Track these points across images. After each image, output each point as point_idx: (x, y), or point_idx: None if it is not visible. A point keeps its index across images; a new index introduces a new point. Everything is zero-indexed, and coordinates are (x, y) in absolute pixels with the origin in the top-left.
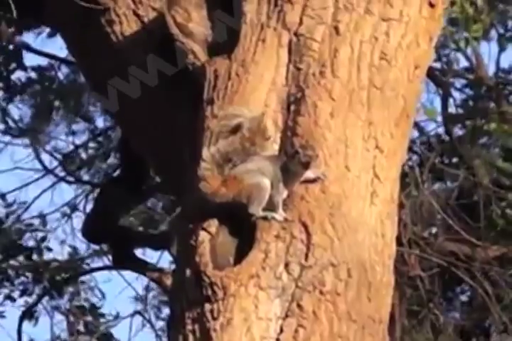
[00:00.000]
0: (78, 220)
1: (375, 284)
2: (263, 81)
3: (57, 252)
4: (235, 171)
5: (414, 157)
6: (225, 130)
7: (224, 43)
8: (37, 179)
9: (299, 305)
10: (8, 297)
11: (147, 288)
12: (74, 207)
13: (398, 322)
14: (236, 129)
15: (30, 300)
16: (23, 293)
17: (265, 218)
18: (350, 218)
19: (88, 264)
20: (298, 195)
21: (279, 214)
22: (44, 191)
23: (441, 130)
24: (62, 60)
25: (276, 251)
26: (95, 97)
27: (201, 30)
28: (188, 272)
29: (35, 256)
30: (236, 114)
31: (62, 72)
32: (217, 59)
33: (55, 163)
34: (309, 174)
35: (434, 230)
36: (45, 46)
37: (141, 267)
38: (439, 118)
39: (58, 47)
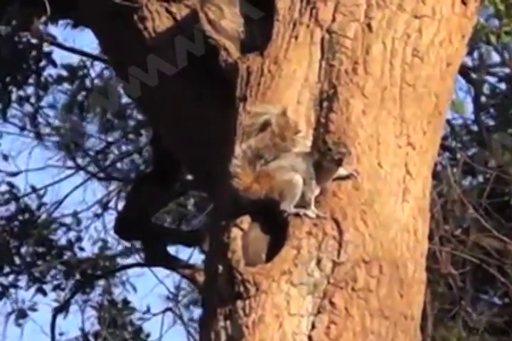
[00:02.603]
0: (110, 218)
1: (407, 281)
2: (295, 78)
3: (89, 250)
4: (267, 168)
5: (446, 154)
6: (253, 128)
7: (257, 40)
8: (69, 176)
9: (331, 302)
10: (40, 290)
11: (178, 286)
12: (106, 205)
13: (430, 320)
14: (265, 126)
15: (62, 294)
16: (56, 287)
17: (297, 215)
18: (383, 215)
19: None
20: (330, 192)
21: (312, 211)
22: (76, 188)
23: (471, 125)
24: (95, 58)
25: (308, 247)
26: (127, 95)
27: (234, 27)
28: (220, 268)
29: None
30: (261, 112)
31: (94, 69)
32: (250, 56)
33: (87, 161)
34: (342, 171)
35: (465, 227)
36: (75, 40)
37: (173, 264)
38: (469, 115)
39: (88, 42)
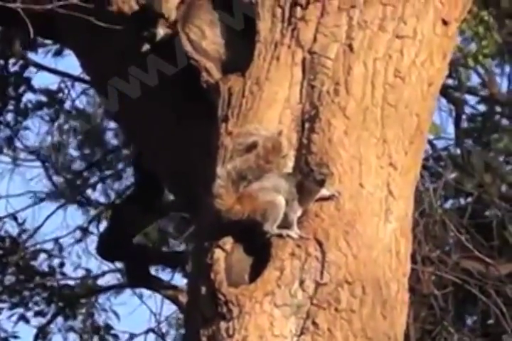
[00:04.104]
0: (91, 243)
1: (389, 301)
2: (277, 99)
3: (71, 274)
4: (249, 188)
5: (427, 173)
6: (240, 148)
7: (238, 61)
8: (46, 197)
9: (314, 323)
10: (22, 317)
11: (161, 307)
12: (86, 230)
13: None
14: (251, 147)
15: (44, 320)
16: (37, 314)
17: (280, 236)
18: (365, 235)
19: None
20: (312, 213)
21: (294, 232)
22: (56, 210)
23: (452, 145)
24: (75, 78)
25: (291, 268)
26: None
27: (215, 47)
28: (203, 290)
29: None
30: (252, 133)
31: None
32: (232, 76)
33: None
34: (324, 192)
35: (447, 248)
36: (56, 65)
37: (156, 285)
38: (448, 135)
39: (68, 66)
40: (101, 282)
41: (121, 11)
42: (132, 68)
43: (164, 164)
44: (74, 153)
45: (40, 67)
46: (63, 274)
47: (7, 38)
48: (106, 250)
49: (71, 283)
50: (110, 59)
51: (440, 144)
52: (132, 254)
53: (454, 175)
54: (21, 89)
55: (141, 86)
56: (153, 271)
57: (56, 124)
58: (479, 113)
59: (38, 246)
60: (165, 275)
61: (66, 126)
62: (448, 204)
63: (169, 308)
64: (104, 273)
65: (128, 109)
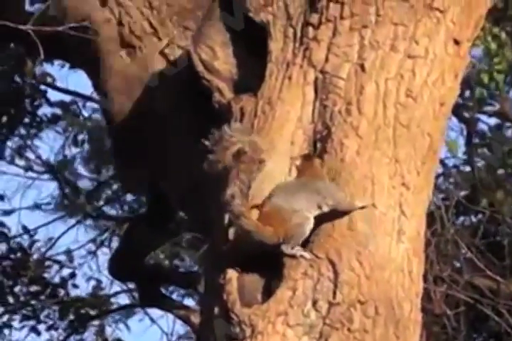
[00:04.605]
0: (104, 256)
1: (402, 321)
2: (289, 118)
3: (83, 287)
4: (278, 207)
5: (439, 193)
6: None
7: (250, 81)
8: (62, 216)
9: None
10: (33, 329)
11: (173, 327)
12: (101, 244)
13: None
14: (239, 155)
15: (56, 334)
16: (50, 327)
17: (293, 256)
18: (378, 255)
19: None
20: (325, 233)
21: (308, 253)
22: (69, 229)
23: (463, 164)
24: (88, 98)
25: (304, 288)
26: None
27: (227, 67)
28: (216, 310)
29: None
30: (231, 141)
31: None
32: (244, 96)
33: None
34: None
35: (459, 267)
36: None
37: (168, 305)
38: (461, 154)
39: (83, 81)
40: (113, 299)
41: (133, 32)
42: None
43: (177, 184)
44: (87, 167)
45: (51, 86)
46: (75, 286)
47: (19, 55)
48: (118, 270)
49: (83, 294)
50: None
51: (451, 163)
52: (144, 274)
53: (465, 192)
54: (37, 102)
55: (153, 106)
56: (165, 290)
57: (70, 137)
58: (490, 128)
59: (50, 258)
60: (177, 295)
61: (80, 137)
62: (459, 221)
63: (181, 328)
64: (116, 294)
65: (140, 127)
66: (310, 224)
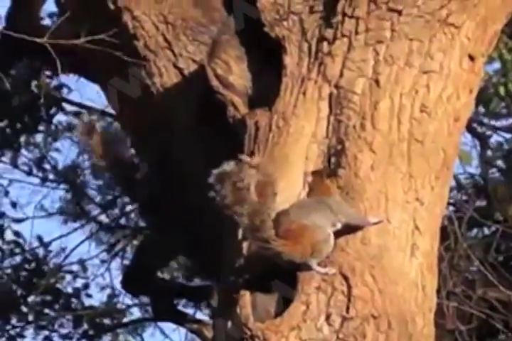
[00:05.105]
0: (117, 265)
1: (415, 336)
2: (304, 133)
3: (97, 297)
4: (301, 224)
5: (451, 207)
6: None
7: (264, 96)
8: (76, 228)
9: None
10: (47, 338)
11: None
12: (116, 254)
13: None
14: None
15: None
16: (64, 336)
17: (309, 269)
18: (391, 270)
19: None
20: (339, 247)
21: (329, 268)
22: (84, 240)
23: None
24: (102, 112)
25: (317, 302)
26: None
27: (241, 82)
28: (229, 324)
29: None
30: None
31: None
32: (258, 111)
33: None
34: (372, 219)
35: (472, 282)
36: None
37: (181, 318)
38: (473, 167)
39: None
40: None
41: (148, 46)
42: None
43: (193, 201)
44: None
45: (64, 100)
46: (89, 296)
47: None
48: (130, 285)
49: (97, 307)
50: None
51: (463, 177)
52: (157, 288)
53: (479, 205)
54: (52, 110)
55: (166, 120)
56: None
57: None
58: (505, 140)
59: (64, 268)
60: (189, 309)
61: None
62: (472, 235)
63: None
64: (128, 307)
65: (154, 143)
66: (332, 240)
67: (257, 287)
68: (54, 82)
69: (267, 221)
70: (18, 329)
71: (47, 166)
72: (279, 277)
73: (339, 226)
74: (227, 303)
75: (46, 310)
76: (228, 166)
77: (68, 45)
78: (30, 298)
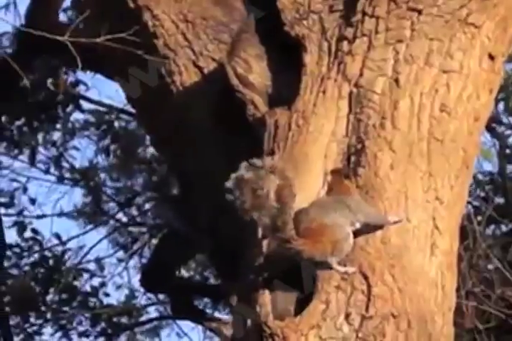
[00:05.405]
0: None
1: (435, 336)
2: (323, 132)
3: (114, 296)
4: (322, 223)
5: (470, 206)
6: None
7: (284, 94)
8: (94, 227)
9: None
10: (65, 336)
11: (203, 339)
12: (135, 252)
13: None
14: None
15: None
16: (81, 334)
17: (330, 268)
18: (411, 269)
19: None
20: (358, 246)
21: (348, 267)
22: (102, 239)
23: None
24: (121, 111)
25: (337, 301)
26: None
27: (261, 81)
28: (248, 322)
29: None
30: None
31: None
32: (278, 110)
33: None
34: (392, 218)
35: (490, 280)
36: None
37: (200, 317)
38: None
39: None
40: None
41: (167, 44)
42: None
43: (211, 199)
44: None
45: (83, 98)
46: (106, 294)
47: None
48: (149, 283)
49: (115, 305)
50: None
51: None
52: (176, 286)
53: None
54: (69, 108)
55: (186, 119)
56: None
57: (104, 145)
58: None
59: (81, 266)
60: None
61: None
62: (490, 230)
63: None
64: (146, 306)
65: (174, 141)
66: (352, 239)
67: (276, 286)
68: (71, 80)
69: (288, 222)
70: (36, 327)
71: (64, 164)
72: (299, 276)
73: (358, 225)
74: (246, 302)
75: (64, 309)
76: (246, 172)
77: (87, 42)
78: (48, 296)
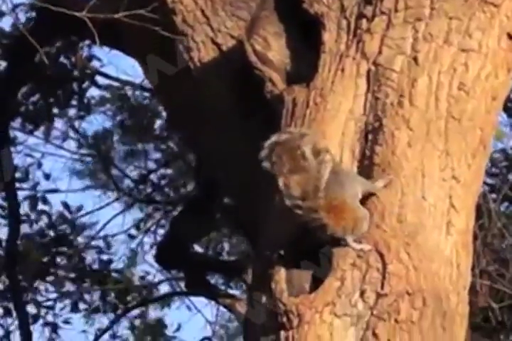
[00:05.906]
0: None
1: (450, 314)
2: (341, 110)
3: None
4: (344, 200)
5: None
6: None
7: (302, 72)
8: (112, 201)
9: (374, 333)
10: (75, 307)
11: (216, 316)
12: (148, 229)
13: None
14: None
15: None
16: (94, 311)
17: (344, 246)
18: (426, 248)
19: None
20: (374, 224)
21: (364, 244)
22: (116, 215)
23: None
24: (137, 87)
25: (352, 279)
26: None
27: (280, 58)
28: (263, 299)
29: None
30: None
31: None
32: (296, 87)
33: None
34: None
35: (504, 260)
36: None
37: (214, 293)
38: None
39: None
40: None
41: (186, 21)
42: None
43: (228, 175)
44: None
45: (100, 74)
46: (117, 271)
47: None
48: (164, 259)
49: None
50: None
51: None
52: (190, 263)
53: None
54: (85, 84)
55: (204, 95)
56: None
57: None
58: None
59: (94, 242)
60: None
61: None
62: (504, 208)
63: (223, 317)
64: (159, 283)
65: (196, 125)
66: (369, 218)
67: (292, 262)
68: (87, 55)
69: (319, 189)
70: (49, 302)
71: (79, 139)
72: (315, 253)
73: (360, 196)
74: (262, 278)
75: (75, 284)
76: (279, 137)
77: (106, 18)
78: (60, 270)
